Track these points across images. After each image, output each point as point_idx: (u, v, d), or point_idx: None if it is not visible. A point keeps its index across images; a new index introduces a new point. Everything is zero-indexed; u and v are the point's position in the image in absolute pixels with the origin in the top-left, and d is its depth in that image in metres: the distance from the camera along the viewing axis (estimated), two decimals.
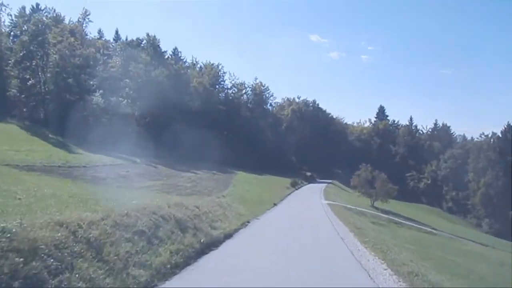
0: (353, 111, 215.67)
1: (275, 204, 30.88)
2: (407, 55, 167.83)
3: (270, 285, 8.54)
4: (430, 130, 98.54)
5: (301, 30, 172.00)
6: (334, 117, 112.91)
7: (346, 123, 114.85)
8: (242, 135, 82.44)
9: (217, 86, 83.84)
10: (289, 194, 42.77)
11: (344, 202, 44.20)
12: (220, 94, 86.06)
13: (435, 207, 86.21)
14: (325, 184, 71.67)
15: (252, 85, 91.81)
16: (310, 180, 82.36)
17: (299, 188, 56.02)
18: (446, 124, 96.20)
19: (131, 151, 45.06)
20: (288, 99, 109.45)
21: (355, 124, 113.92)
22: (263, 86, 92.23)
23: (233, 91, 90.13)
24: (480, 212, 76.34)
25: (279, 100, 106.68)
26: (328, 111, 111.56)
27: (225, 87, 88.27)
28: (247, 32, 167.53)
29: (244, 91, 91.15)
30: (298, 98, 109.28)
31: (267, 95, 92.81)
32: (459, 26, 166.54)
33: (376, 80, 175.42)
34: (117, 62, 62.44)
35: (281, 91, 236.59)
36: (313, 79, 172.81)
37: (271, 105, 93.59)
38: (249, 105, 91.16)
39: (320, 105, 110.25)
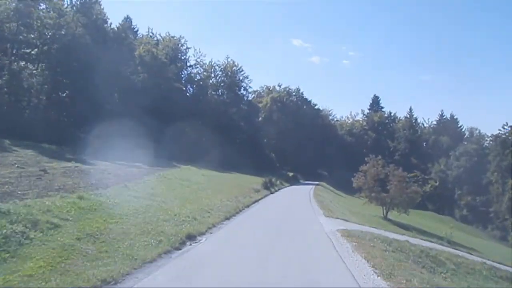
0: (342, 105, 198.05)
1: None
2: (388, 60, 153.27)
3: None
4: (434, 123, 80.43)
5: (284, 34, 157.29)
6: (321, 109, 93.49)
7: (335, 116, 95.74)
8: (206, 122, 62.15)
9: (178, 63, 63.11)
10: (254, 203, 22.53)
11: (350, 217, 24.86)
12: (181, 72, 65.53)
13: (444, 215, 67.31)
14: (313, 186, 52.01)
15: (223, 64, 71.61)
16: (293, 181, 62.61)
17: (276, 191, 35.93)
18: (454, 116, 78.28)
19: None
20: (267, 87, 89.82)
21: (345, 118, 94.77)
22: (236, 66, 72.12)
23: (199, 71, 69.74)
24: (507, 222, 57.51)
25: (257, 88, 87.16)
26: (314, 102, 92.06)
27: (188, 64, 67.63)
28: (230, 36, 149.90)
29: (211, 70, 70.72)
30: (279, 86, 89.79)
31: (241, 77, 72.67)
32: (441, 31, 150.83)
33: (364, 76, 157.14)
34: None
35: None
36: (295, 82, 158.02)
37: (245, 89, 73.43)
38: (218, 88, 70.77)
39: (304, 95, 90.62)
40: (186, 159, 45.65)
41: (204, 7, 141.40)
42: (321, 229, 14.50)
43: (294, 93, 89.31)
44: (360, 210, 37.75)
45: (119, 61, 50.86)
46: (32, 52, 40.49)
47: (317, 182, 67.48)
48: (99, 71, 47.57)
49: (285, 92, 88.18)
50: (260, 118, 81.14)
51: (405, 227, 33.84)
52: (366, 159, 39.12)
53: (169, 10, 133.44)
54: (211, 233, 11.59)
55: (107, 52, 49.05)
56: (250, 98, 77.06)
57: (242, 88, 72.52)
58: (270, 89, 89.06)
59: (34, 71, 40.28)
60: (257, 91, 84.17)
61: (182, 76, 66.28)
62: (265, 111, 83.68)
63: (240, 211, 17.58)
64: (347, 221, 17.83)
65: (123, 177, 20.41)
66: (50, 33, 40.74)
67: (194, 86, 67.70)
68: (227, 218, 14.81)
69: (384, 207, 36.10)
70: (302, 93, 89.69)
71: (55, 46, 40.57)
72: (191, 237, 10.10)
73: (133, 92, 50.26)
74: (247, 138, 67.75)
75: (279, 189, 38.95)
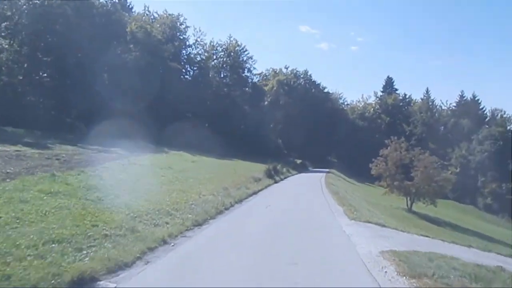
0: (352, 91, 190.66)
1: None
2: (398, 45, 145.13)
3: None
4: (454, 105, 73.56)
5: (290, 21, 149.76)
6: (331, 92, 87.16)
7: (345, 100, 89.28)
8: (207, 106, 56.79)
9: (175, 43, 57.29)
10: (251, 196, 17.13)
11: (375, 213, 19.35)
12: (180, 52, 59.75)
13: (466, 204, 61.44)
14: (323, 174, 46.51)
15: (224, 44, 65.66)
16: (301, 168, 57.08)
17: (282, 180, 30.50)
18: (475, 97, 71.26)
19: None
20: (273, 69, 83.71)
21: (356, 102, 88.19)
22: (239, 46, 66.15)
23: (199, 51, 63.93)
24: None
25: (262, 70, 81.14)
26: (323, 85, 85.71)
27: (188, 44, 61.79)
28: (235, 23, 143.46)
29: (213, 51, 64.87)
30: (286, 68, 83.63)
31: (245, 58, 66.72)
32: (451, 14, 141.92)
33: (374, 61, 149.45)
34: None
35: None
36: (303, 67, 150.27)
37: (250, 71, 67.48)
38: (220, 70, 64.98)
39: (313, 78, 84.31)
40: (184, 146, 40.59)
41: None
42: (350, 248, 8.65)
43: (302, 76, 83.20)
44: (379, 200, 32.25)
45: (107, 37, 45.54)
46: (3, 25, 35.14)
47: (327, 170, 61.95)
48: (84, 47, 42.40)
49: (292, 74, 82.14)
50: (266, 102, 75.36)
51: (435, 221, 28.29)
52: (386, 141, 33.40)
53: None
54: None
55: (93, 27, 43.76)
56: (255, 81, 70.99)
57: (246, 70, 66.70)
58: (277, 71, 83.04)
59: (6, 46, 35.01)
60: (262, 72, 78.12)
61: (181, 56, 60.54)
62: (271, 95, 77.89)
63: (225, 210, 12.25)
64: (383, 226, 12.19)
65: (76, 163, 15.16)
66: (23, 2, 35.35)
67: (194, 67, 61.98)
68: (198, 225, 9.46)
69: (408, 198, 30.41)
70: (310, 76, 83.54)
71: (28, 16, 35.17)
72: None
73: (125, 72, 44.84)
74: (252, 123, 62.06)
75: (285, 178, 33.51)
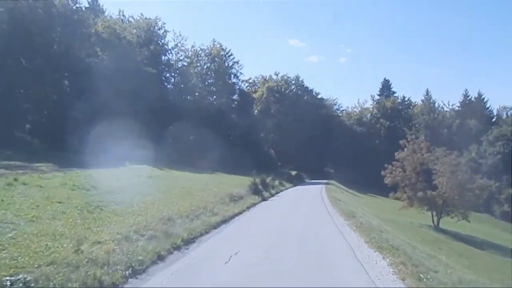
0: (346, 100, 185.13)
1: None
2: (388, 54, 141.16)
3: None
4: (458, 105, 67.27)
5: (280, 34, 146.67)
6: (325, 98, 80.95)
7: (340, 106, 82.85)
8: (189, 115, 49.97)
9: (151, 46, 50.78)
10: (216, 228, 10.31)
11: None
12: (160, 58, 53.15)
13: (480, 212, 54.62)
14: (322, 186, 39.82)
15: (208, 48, 59.39)
16: (297, 181, 50.49)
17: (273, 196, 23.73)
18: (481, 95, 65.02)
19: None
20: (262, 76, 77.52)
21: (351, 108, 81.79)
22: (224, 51, 59.96)
23: (180, 57, 57.55)
24: None
25: (250, 76, 74.82)
26: (316, 91, 79.57)
27: (167, 49, 55.33)
28: (224, 37, 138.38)
29: (195, 57, 58.56)
30: (276, 75, 77.50)
31: (230, 63, 60.50)
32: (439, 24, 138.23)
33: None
34: None
35: None
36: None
37: (236, 77, 61.07)
38: (204, 76, 58.52)
39: (305, 84, 78.19)
40: (157, 159, 33.93)
41: (196, 5, 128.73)
42: None
43: (293, 82, 77.12)
44: (394, 216, 25.42)
45: (69, 39, 39.10)
46: None
47: (325, 181, 55.35)
48: (39, 48, 35.90)
49: (283, 81, 75.99)
50: (255, 111, 68.92)
51: (473, 243, 21.38)
52: (401, 142, 26.67)
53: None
54: None
55: (51, 27, 37.41)
56: (243, 88, 64.72)
57: (233, 76, 60.32)
58: (266, 78, 76.85)
59: None
60: (250, 79, 71.69)
61: (160, 63, 54.05)
62: (261, 103, 71.63)
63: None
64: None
65: None
66: None
67: (175, 74, 55.52)
68: None
69: (434, 213, 23.57)
70: (302, 82, 77.41)
71: None
72: None
73: (90, 78, 38.13)
74: (240, 133, 55.45)
75: (277, 193, 26.75)
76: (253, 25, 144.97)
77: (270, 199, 21.84)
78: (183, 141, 46.96)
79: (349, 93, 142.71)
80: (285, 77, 76.83)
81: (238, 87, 61.31)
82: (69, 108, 35.49)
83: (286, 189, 35.26)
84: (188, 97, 52.18)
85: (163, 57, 54.62)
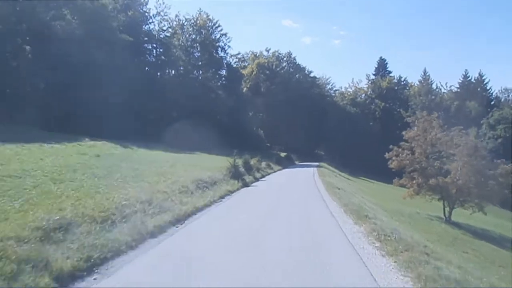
0: (339, 81, 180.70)
1: None
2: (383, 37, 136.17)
3: None
4: (457, 86, 63.46)
5: (273, 14, 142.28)
6: (318, 77, 76.57)
7: (334, 85, 78.53)
8: (173, 90, 45.44)
9: (129, 12, 45.49)
10: (161, 234, 6.34)
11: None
12: (141, 28, 47.87)
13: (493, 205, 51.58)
14: (314, 169, 36.23)
15: (193, 18, 54.33)
16: (286, 163, 46.84)
17: (258, 180, 19.86)
18: (482, 76, 61.25)
19: None
20: (253, 52, 72.54)
21: (345, 88, 77.51)
22: (211, 21, 54.92)
23: (163, 27, 52.32)
24: None
25: (238, 50, 69.56)
26: (309, 69, 75.07)
27: (148, 18, 50.02)
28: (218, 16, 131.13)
29: (179, 27, 53.49)
30: (267, 51, 72.68)
31: (218, 35, 55.57)
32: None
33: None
34: None
35: None
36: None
37: (224, 51, 56.23)
38: (189, 49, 53.59)
39: (297, 61, 73.58)
40: (132, 135, 30.08)
41: None
42: None
43: (285, 59, 72.43)
44: (399, 205, 21.81)
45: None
46: None
47: (317, 163, 51.78)
48: None
49: (274, 57, 71.28)
50: (244, 88, 64.47)
51: (494, 240, 17.82)
52: (409, 119, 22.86)
53: None
54: None
55: None
56: (231, 63, 59.86)
57: (220, 49, 55.45)
58: (257, 55, 71.97)
59: None
60: (239, 54, 66.60)
61: (140, 32, 48.91)
62: (251, 80, 67.05)
63: None
64: None
65: None
66: None
67: (156, 45, 50.45)
68: None
69: (446, 203, 19.93)
70: (294, 59, 72.76)
71: None
72: None
73: (56, 43, 33.23)
74: (227, 110, 51.23)
75: (263, 176, 22.84)
76: (246, 4, 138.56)
77: (253, 184, 17.85)
78: (163, 118, 42.75)
79: (343, 74, 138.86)
80: (277, 54, 72.14)
81: (225, 61, 56.46)
82: (32, 74, 31.16)
83: (274, 172, 31.41)
84: (172, 71, 47.44)
85: (144, 26, 49.50)
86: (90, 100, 31.89)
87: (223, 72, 55.92)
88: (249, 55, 72.20)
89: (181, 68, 51.06)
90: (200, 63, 53.15)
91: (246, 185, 16.76)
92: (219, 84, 53.30)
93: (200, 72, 51.94)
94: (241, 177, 17.12)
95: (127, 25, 43.65)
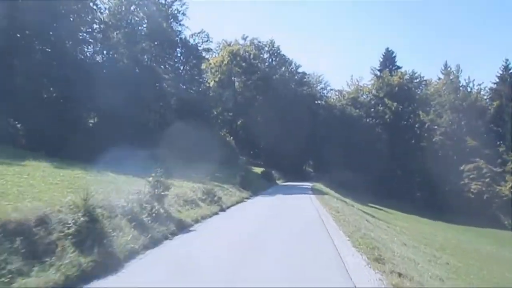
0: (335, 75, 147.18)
1: None
2: None
3: None
4: (493, 82, 47.40)
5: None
6: (307, 73, 60.79)
7: (328, 84, 62.32)
8: (94, 72, 28.10)
9: None
10: None
11: None
12: None
13: None
14: (310, 197, 19.61)
15: None
16: (264, 184, 30.65)
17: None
18: None
19: None
20: (225, 41, 56.25)
21: (342, 87, 61.30)
22: None
23: None
24: None
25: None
26: (296, 62, 59.36)
27: None
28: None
29: None
30: (244, 38, 56.70)
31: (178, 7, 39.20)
32: None
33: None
34: None
35: None
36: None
37: (177, 21, 39.34)
38: (124, 12, 36.50)
39: (281, 51, 57.85)
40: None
41: None
42: None
43: (266, 48, 56.57)
44: None
45: None
46: None
47: (309, 184, 35.77)
48: None
49: (253, 46, 55.33)
50: (211, 82, 48.07)
51: None
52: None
53: None
54: None
55: None
56: (188, 40, 42.62)
57: (172, 19, 38.81)
58: (231, 44, 55.75)
59: None
60: (203, 32, 48.97)
61: None
62: (220, 73, 50.68)
63: None
64: None
65: None
66: None
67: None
68: None
69: None
70: (278, 48, 56.94)
71: None
72: None
73: None
74: (179, 105, 34.68)
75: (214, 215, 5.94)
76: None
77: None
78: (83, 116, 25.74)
79: (337, 70, 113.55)
80: (256, 41, 56.18)
81: (180, 36, 39.49)
82: None
83: (242, 202, 14.91)
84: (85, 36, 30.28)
85: None
86: None
87: (177, 51, 39.19)
88: (220, 45, 55.95)
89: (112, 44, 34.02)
90: (142, 33, 36.08)
91: None
92: (168, 63, 36.61)
93: (142, 45, 34.71)
94: None
95: None
